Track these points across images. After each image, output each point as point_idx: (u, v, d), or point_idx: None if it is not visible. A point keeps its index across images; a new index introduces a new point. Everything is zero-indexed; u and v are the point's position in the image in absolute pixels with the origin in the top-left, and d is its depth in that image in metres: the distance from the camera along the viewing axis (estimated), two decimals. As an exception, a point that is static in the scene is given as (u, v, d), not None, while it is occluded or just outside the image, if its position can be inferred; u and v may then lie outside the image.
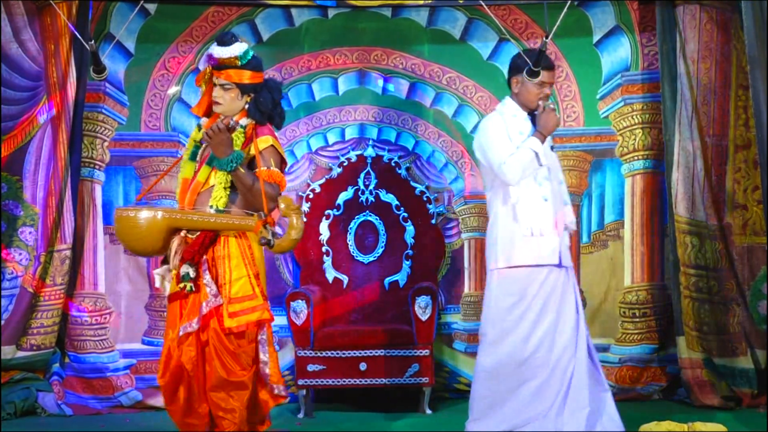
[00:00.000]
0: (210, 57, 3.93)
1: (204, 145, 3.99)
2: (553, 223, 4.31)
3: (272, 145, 3.99)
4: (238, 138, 3.92)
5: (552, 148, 4.45)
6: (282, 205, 3.84)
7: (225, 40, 3.92)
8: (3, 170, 5.65)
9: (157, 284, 4.00)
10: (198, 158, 4.01)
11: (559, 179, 4.48)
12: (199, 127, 4.06)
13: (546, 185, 4.32)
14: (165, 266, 3.93)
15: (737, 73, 5.63)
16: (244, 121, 3.96)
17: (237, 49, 3.90)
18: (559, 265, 4.31)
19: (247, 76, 3.93)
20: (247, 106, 3.97)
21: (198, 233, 3.86)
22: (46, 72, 5.67)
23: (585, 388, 4.22)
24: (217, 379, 3.85)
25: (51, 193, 5.66)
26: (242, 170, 3.84)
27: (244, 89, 3.95)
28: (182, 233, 3.86)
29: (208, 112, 4.06)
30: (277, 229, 4.32)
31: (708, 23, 5.66)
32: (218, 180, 3.89)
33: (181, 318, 3.88)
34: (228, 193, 3.89)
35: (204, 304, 3.84)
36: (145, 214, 3.78)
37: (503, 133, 4.31)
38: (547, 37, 4.02)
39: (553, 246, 4.29)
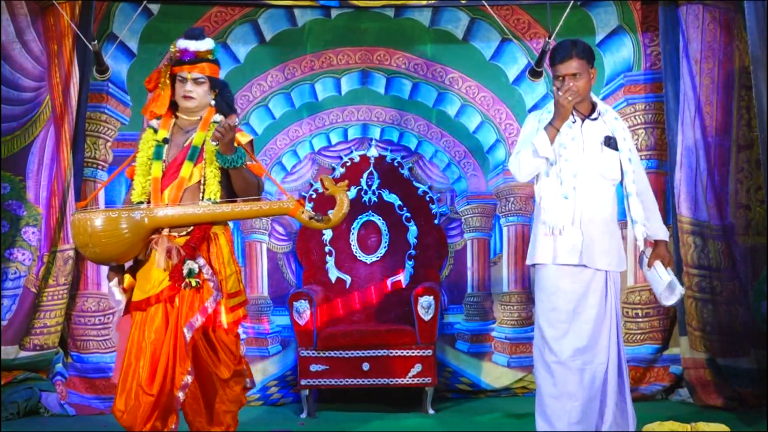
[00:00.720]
0: (185, 51, 3.93)
1: (168, 145, 3.98)
2: (576, 220, 4.08)
3: (252, 140, 4.09)
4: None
5: (609, 140, 4.15)
6: (327, 186, 3.85)
7: (195, 34, 3.97)
8: (6, 170, 5.66)
9: (118, 296, 3.93)
10: (165, 157, 3.97)
11: (623, 170, 4.13)
12: (154, 129, 4.02)
13: (570, 182, 4.10)
14: (116, 277, 3.89)
15: (740, 73, 5.62)
16: (218, 116, 4.01)
17: (210, 43, 3.98)
18: (587, 266, 4.08)
19: (216, 71, 4.02)
20: (213, 102, 4.02)
21: (191, 229, 3.86)
22: (49, 72, 5.67)
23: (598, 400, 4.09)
24: (231, 371, 3.91)
25: (54, 193, 5.66)
26: (245, 165, 3.90)
27: (213, 84, 4.00)
28: (165, 232, 3.84)
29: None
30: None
31: (711, 23, 5.66)
32: (211, 174, 3.92)
33: (167, 323, 3.83)
34: (221, 186, 3.93)
35: (211, 299, 3.84)
36: (107, 217, 3.72)
37: (528, 131, 4.20)
38: (549, 38, 4.02)
39: (574, 245, 4.09)
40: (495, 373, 5.95)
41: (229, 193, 3.94)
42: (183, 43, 3.94)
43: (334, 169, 6.03)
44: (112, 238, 3.73)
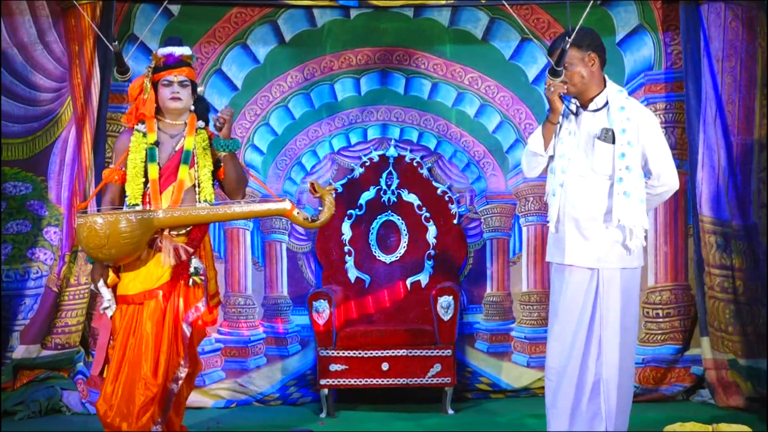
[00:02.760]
0: (170, 56, 4.10)
1: (159, 146, 4.10)
2: (562, 217, 3.96)
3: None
4: (201, 135, 4.15)
5: (606, 133, 3.92)
6: (317, 189, 4.07)
7: (176, 41, 4.16)
8: (28, 171, 5.71)
9: (109, 295, 4.00)
10: (158, 159, 4.09)
11: (615, 167, 3.89)
12: (144, 134, 4.13)
13: (559, 177, 3.97)
14: (102, 277, 3.96)
15: (763, 71, 5.58)
16: (201, 122, 4.19)
17: (189, 49, 4.18)
18: (574, 265, 3.95)
19: (194, 76, 4.22)
20: (193, 108, 4.17)
21: (189, 229, 4.02)
22: (70, 73, 5.71)
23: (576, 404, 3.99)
24: (194, 368, 4.14)
25: (75, 193, 5.70)
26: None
27: (194, 87, 4.17)
28: (166, 232, 3.98)
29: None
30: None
31: (733, 21, 5.62)
32: (205, 177, 4.07)
33: (164, 316, 3.97)
34: (213, 188, 4.13)
35: (203, 300, 4.04)
36: (122, 218, 3.83)
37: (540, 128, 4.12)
38: (569, 37, 3.99)
39: (558, 243, 3.98)
40: (514, 373, 5.93)
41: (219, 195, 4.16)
42: (167, 49, 4.12)
43: (353, 169, 6.04)
44: (128, 239, 3.86)
